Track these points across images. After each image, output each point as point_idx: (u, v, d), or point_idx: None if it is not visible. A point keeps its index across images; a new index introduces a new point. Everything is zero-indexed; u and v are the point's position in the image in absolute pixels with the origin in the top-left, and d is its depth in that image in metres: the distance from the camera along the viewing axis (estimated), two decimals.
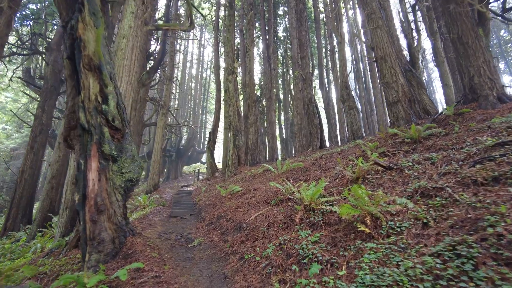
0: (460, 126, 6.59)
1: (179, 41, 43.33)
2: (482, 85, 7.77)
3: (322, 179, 5.22)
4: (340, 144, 19.90)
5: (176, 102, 43.35)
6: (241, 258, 4.64)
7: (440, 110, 11.12)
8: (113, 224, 5.99)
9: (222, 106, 23.89)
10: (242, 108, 20.33)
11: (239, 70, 24.97)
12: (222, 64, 27.41)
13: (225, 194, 9.02)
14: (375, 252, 3.08)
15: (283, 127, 35.76)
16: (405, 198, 3.96)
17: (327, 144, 17.79)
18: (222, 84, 23.97)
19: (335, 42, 25.31)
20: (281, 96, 36.22)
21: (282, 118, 36.50)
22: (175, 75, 37.02)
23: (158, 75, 28.30)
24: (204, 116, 48.21)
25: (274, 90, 27.72)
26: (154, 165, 18.42)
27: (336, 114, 23.84)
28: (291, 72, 41.15)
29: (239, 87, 24.11)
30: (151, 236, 6.48)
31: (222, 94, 23.22)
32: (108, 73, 6.36)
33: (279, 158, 24.58)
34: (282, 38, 34.75)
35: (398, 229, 3.36)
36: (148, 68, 25.29)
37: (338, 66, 22.04)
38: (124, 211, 6.25)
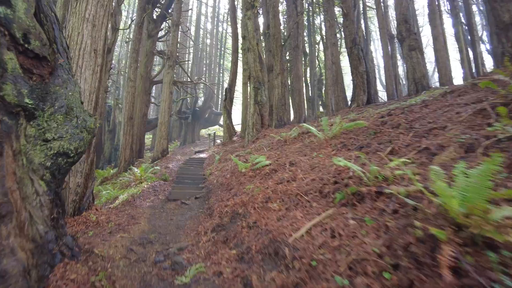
0: None
1: None
2: None
3: (497, 155, 2.00)
4: (386, 100, 16.06)
5: (191, 60, 39.61)
6: None
7: None
8: (28, 240, 3.04)
9: (240, 57, 20.26)
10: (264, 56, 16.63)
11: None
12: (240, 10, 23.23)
13: (245, 170, 5.96)
14: None
15: (309, 84, 31.60)
16: None
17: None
18: (239, 30, 20.07)
19: None
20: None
21: (308, 74, 32.22)
22: (187, 26, 33.07)
23: (167, 26, 24.67)
24: (221, 74, 44.48)
25: (301, 38, 23.42)
26: (161, 127, 15.58)
27: (379, 65, 19.60)
28: (317, 21, 35.99)
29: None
30: (114, 251, 3.61)
31: (240, 42, 19.46)
32: None
33: (305, 119, 21.31)
34: None
35: None
36: (154, 17, 21.71)
37: None
38: (53, 210, 3.29)
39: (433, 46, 14.30)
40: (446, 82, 13.00)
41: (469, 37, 16.26)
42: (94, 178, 5.97)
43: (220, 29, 46.59)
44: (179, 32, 25.06)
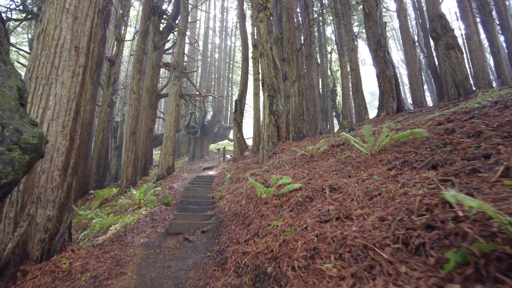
0: None
1: (199, 4, 38.32)
2: None
3: None
4: (415, 107, 14.53)
5: (199, 73, 38.97)
6: None
7: None
8: None
9: (251, 69, 19.14)
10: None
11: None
12: (249, 17, 22.37)
13: (267, 196, 4.55)
14: None
15: (321, 95, 30.32)
16: None
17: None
18: (249, 37, 19.06)
19: None
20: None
21: (320, 85, 31.01)
22: (195, 39, 32.48)
23: (174, 38, 23.96)
24: (230, 88, 43.71)
25: (314, 47, 22.30)
26: (167, 142, 14.35)
27: (403, 71, 18.17)
28: (328, 32, 35.11)
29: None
30: None
31: (250, 50, 18.39)
32: None
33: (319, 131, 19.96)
34: None
35: None
36: (160, 28, 20.97)
37: None
38: None
39: (466, 47, 12.91)
40: (485, 86, 11.47)
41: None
42: (71, 209, 4.62)
43: (228, 42, 46.22)
44: (187, 45, 24.30)
